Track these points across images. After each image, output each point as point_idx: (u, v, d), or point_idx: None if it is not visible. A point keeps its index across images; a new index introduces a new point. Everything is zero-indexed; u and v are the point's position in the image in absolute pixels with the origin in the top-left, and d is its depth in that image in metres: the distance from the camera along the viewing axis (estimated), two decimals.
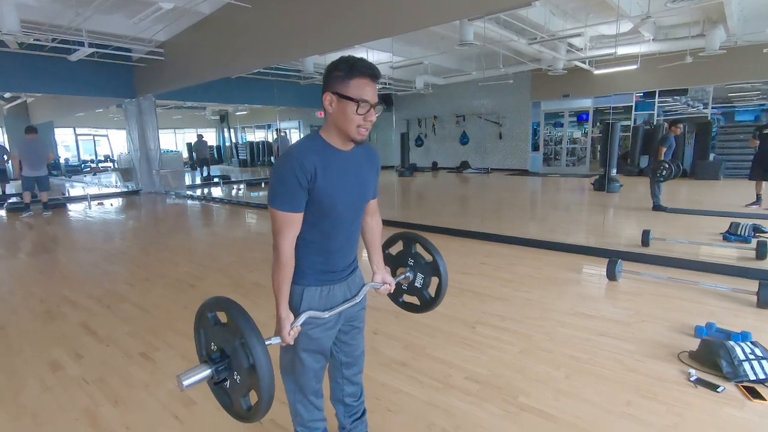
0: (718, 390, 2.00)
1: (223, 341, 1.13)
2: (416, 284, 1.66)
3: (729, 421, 1.81)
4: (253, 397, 1.10)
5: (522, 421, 1.84)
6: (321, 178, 1.19)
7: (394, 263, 1.71)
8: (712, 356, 2.17)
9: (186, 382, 1.08)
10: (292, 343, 1.26)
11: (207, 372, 1.11)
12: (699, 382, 2.07)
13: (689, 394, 2.00)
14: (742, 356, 2.13)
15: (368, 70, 1.17)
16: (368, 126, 1.21)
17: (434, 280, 1.63)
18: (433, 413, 1.92)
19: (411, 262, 1.65)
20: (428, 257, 1.61)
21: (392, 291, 1.57)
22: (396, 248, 1.71)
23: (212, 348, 1.16)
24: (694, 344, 2.37)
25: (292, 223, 1.22)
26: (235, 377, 1.12)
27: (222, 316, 1.15)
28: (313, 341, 1.34)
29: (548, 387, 2.08)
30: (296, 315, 1.28)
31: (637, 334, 2.61)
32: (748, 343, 2.24)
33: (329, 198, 1.22)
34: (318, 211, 1.24)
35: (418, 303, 1.69)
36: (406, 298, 1.73)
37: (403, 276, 1.64)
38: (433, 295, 1.64)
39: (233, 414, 1.19)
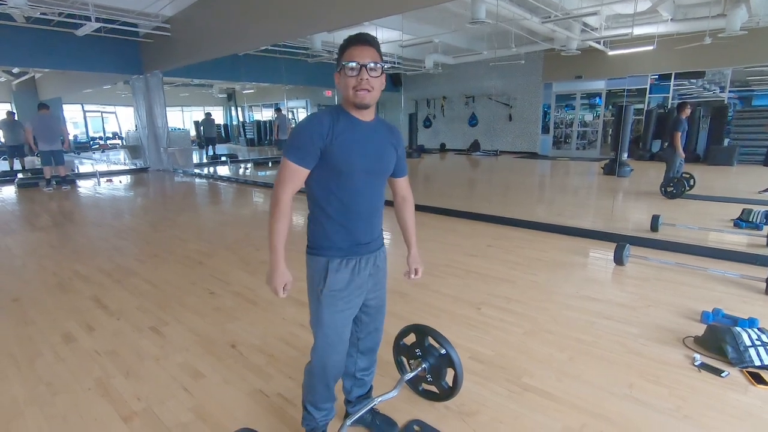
0: (722, 375, 2.00)
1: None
2: (432, 375, 1.76)
3: (732, 405, 1.81)
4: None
5: (525, 401, 1.86)
6: (336, 138, 1.25)
7: (408, 353, 1.84)
8: (718, 341, 2.17)
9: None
10: (282, 295, 1.33)
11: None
12: (703, 366, 2.07)
13: (693, 378, 2.00)
14: (748, 342, 2.12)
15: (354, 37, 1.25)
16: (363, 86, 1.23)
17: (449, 371, 1.72)
18: None
19: (421, 353, 1.77)
20: (441, 349, 1.71)
21: (416, 276, 1.61)
22: (410, 338, 1.82)
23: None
24: (699, 329, 2.37)
25: (297, 175, 1.28)
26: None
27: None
28: (339, 314, 1.37)
29: (552, 368, 2.10)
30: (323, 285, 1.33)
31: (643, 318, 2.61)
32: (755, 330, 2.23)
33: (344, 160, 1.26)
34: (334, 175, 1.28)
35: (437, 391, 1.80)
36: (425, 386, 1.84)
37: (420, 368, 1.74)
38: (450, 385, 1.73)
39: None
